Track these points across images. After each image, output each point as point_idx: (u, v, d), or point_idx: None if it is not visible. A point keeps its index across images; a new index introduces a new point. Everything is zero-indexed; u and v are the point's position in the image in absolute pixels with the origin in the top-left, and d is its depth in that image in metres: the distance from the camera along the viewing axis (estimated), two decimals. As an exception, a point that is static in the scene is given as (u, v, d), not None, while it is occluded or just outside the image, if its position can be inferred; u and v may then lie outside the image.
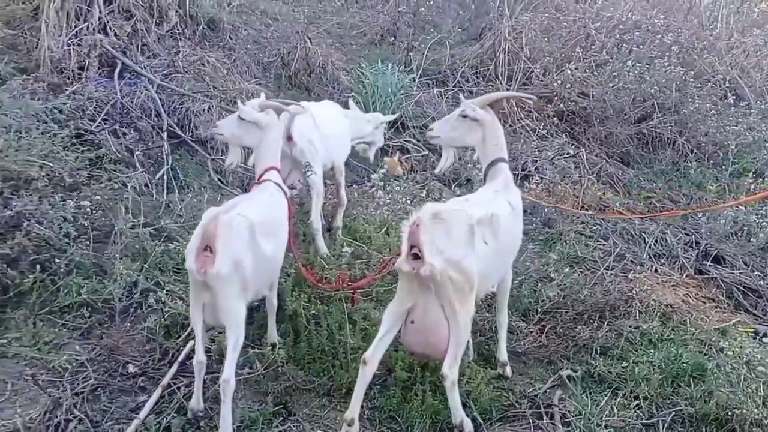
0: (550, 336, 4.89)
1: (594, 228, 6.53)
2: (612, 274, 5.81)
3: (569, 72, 8.37)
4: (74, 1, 7.71)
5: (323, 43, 9.13)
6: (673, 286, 5.76)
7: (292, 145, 5.12)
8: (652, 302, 5.25)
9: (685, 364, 4.36)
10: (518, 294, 5.14)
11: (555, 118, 8.20)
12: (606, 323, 5.01)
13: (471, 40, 9.89)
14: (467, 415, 3.81)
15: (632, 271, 5.86)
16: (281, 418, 3.67)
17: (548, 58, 8.77)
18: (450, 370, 3.64)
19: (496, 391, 4.17)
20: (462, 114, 4.40)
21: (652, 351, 4.70)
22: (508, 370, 4.42)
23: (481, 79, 8.99)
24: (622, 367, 4.47)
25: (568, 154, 7.41)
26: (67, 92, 7.03)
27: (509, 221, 4.11)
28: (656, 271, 6.01)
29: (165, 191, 6.28)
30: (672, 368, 4.44)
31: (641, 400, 4.16)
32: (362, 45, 9.86)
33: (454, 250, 3.56)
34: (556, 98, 8.30)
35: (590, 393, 4.24)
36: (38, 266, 4.24)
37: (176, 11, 8.74)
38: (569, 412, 3.99)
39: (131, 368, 3.89)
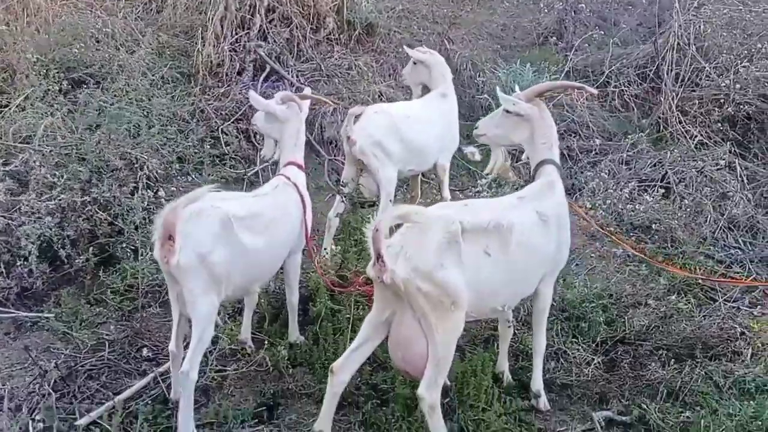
0: (615, 370, 4.20)
1: (732, 252, 5.53)
2: (733, 307, 4.87)
3: (742, 71, 7.19)
4: (238, 12, 8.24)
5: (475, 45, 8.84)
6: (814, 328, 4.67)
7: (351, 143, 4.99)
8: (763, 344, 4.30)
9: (752, 424, 3.47)
10: (592, 319, 4.48)
11: (720, 124, 7.09)
12: (695, 363, 4.19)
13: (643, 39, 8.94)
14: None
15: (760, 306, 4.86)
16: (256, 421, 3.54)
17: (725, 56, 7.62)
18: (428, 392, 3.26)
19: (517, 425, 3.65)
20: (505, 109, 3.95)
21: (744, 402, 3.83)
22: (542, 403, 3.88)
23: (643, 80, 8.09)
24: (686, 417, 3.69)
25: (718, 165, 6.33)
26: (215, 95, 7.59)
27: (532, 232, 3.59)
28: (800, 308, 4.93)
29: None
30: (753, 425, 3.58)
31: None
32: (524, 46, 9.37)
33: (424, 259, 3.19)
34: (723, 101, 7.18)
35: (630, 442, 3.57)
36: (91, 249, 4.55)
37: (334, 18, 8.98)
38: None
39: (145, 352, 4.01)
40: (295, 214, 3.94)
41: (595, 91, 4.21)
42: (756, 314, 4.78)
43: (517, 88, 4.18)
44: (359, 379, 3.81)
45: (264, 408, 3.66)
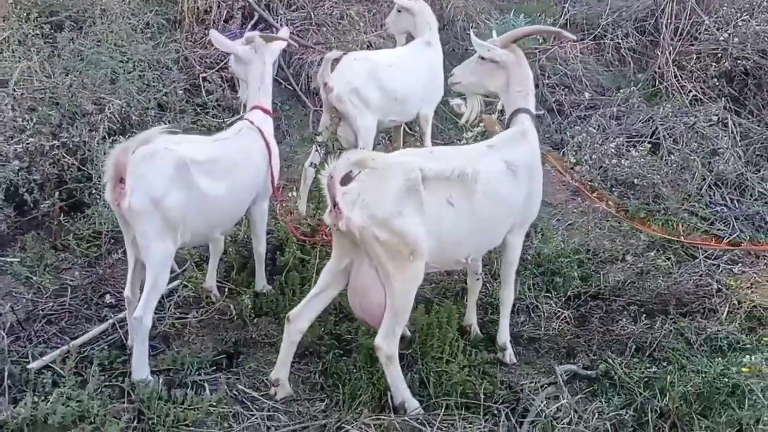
0: (585, 325, 4.14)
1: (717, 209, 5.42)
2: (713, 264, 4.78)
3: (742, 25, 6.96)
4: (226, -45, 7.98)
5: (469, -6, 8.61)
6: (795, 287, 4.59)
7: (328, 90, 4.86)
8: (739, 302, 4.22)
9: (720, 381, 3.39)
10: (566, 273, 4.40)
11: (716, 79, 6.89)
12: (667, 320, 4.12)
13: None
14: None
15: (741, 264, 4.77)
16: (214, 368, 3.49)
17: (726, 9, 7.37)
18: (385, 342, 3.21)
19: (480, 377, 3.59)
20: (480, 56, 3.81)
21: (713, 359, 3.76)
22: (508, 356, 3.82)
23: (641, 34, 7.87)
24: (653, 373, 3.62)
25: (711, 121, 6.17)
26: (200, 42, 7.42)
27: (499, 182, 3.49)
28: (780, 266, 4.83)
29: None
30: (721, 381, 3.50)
31: (650, 415, 3.33)
32: (522, -2, 9.12)
33: (381, 206, 3.09)
34: (721, 56, 6.98)
35: (592, 397, 3.50)
36: (58, 194, 4.47)
37: (328, -38, 8.70)
38: (545, 415, 3.30)
39: (107, 298, 3.96)
40: (259, 159, 3.84)
41: (573, 37, 4.05)
42: (736, 272, 4.69)
43: (494, 34, 4.02)
44: (323, 329, 3.75)
45: (224, 356, 3.61)
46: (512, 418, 3.25)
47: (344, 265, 3.29)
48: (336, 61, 4.97)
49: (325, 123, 5.07)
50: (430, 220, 3.21)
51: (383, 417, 3.14)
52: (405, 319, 3.26)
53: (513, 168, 3.55)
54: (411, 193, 3.15)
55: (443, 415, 3.24)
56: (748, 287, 4.50)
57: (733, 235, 5.06)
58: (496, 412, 3.31)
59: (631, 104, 6.56)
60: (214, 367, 3.51)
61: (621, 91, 6.85)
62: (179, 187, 3.30)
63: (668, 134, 6.21)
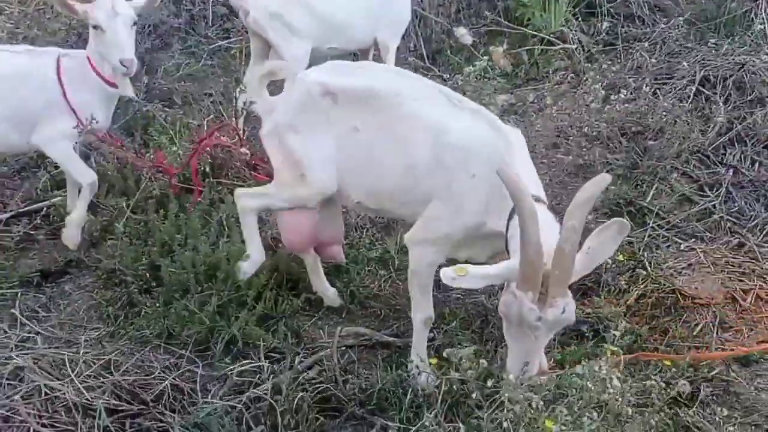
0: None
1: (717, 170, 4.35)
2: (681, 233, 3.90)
3: None
4: None
5: None
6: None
7: (245, 13, 4.51)
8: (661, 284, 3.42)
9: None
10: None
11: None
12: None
13: None
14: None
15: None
16: (18, 282, 3.49)
17: None
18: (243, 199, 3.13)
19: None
20: None
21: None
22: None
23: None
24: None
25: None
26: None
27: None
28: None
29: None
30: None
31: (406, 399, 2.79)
32: None
33: (280, 116, 3.00)
34: None
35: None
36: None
37: None
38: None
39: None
40: (41, 84, 3.55)
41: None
42: (701, 248, 3.74)
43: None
44: (146, 257, 3.53)
45: (38, 273, 3.61)
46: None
47: None
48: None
49: (255, 51, 4.71)
50: (335, 146, 2.91)
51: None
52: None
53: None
54: (308, 109, 2.92)
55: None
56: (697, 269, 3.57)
57: (708, 204, 4.01)
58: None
59: (673, 36, 5.42)
60: (19, 282, 3.51)
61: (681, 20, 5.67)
62: None
63: (714, 76, 5.04)
